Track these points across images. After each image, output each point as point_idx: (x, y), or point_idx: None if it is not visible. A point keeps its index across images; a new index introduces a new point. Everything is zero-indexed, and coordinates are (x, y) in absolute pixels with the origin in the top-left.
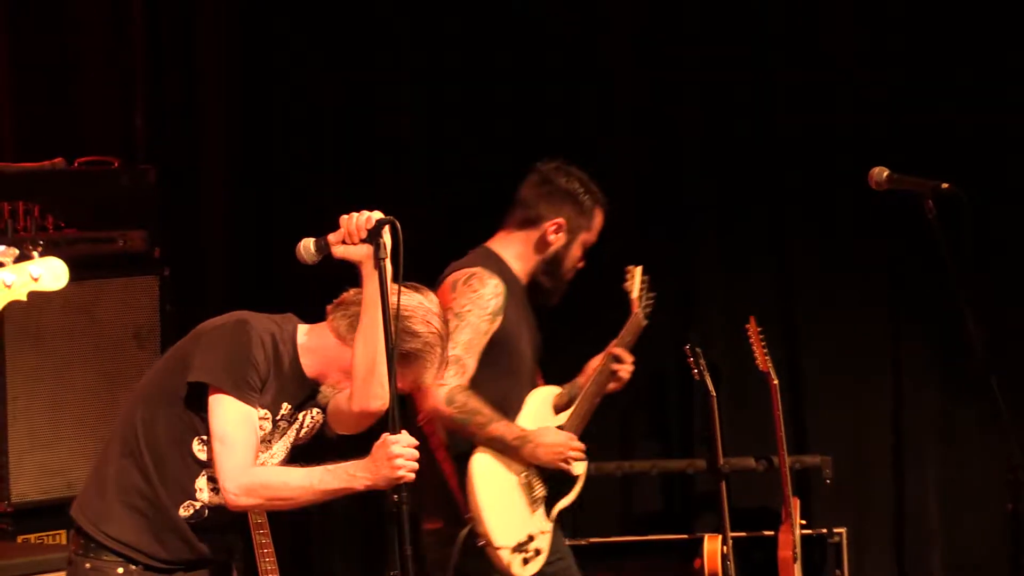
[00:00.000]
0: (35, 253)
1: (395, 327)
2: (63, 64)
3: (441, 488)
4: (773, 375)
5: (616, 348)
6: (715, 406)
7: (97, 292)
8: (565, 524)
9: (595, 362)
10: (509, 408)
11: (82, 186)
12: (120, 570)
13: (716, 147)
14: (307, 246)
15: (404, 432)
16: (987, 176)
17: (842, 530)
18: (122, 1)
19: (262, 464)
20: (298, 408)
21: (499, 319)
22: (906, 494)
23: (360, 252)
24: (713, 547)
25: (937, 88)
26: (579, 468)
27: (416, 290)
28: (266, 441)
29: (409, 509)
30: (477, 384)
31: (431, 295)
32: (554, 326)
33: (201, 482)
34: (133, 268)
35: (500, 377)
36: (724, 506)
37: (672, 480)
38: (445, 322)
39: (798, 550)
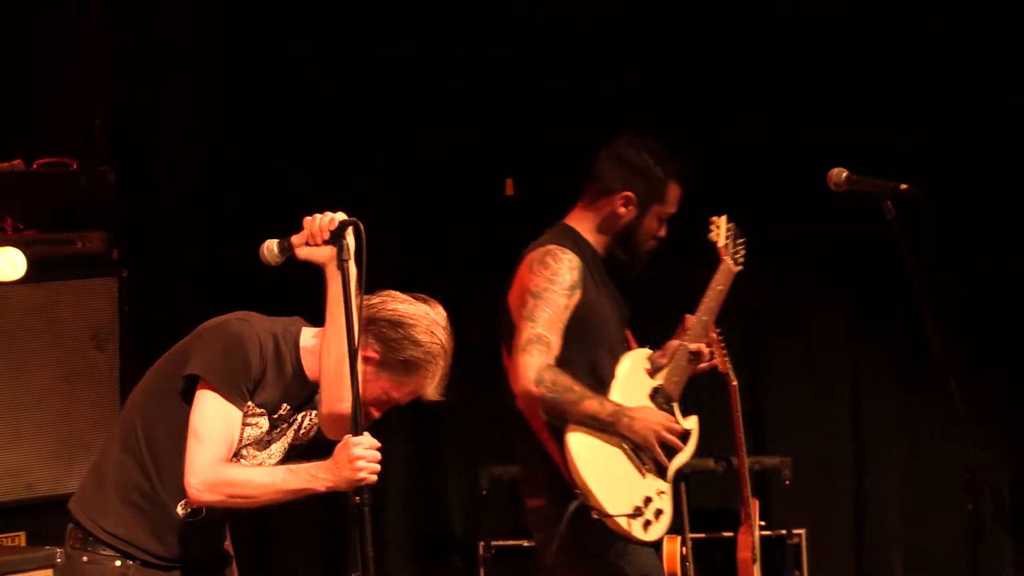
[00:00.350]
0: None
1: (358, 328)
2: (22, 65)
3: (546, 466)
4: (732, 376)
5: (703, 312)
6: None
7: (55, 294)
8: (524, 526)
9: (689, 319)
10: (601, 379)
11: (41, 187)
12: (118, 563)
13: (685, 143)
14: (270, 247)
15: (367, 434)
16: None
17: (801, 531)
18: (83, 1)
19: (259, 464)
20: (297, 409)
21: (577, 292)
22: (866, 495)
23: (323, 254)
24: (672, 548)
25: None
26: (690, 423)
27: (424, 301)
28: (264, 442)
29: (372, 508)
30: (566, 360)
31: (439, 308)
32: (646, 288)
33: None
34: (92, 270)
35: (588, 350)
36: (683, 507)
37: None
38: (451, 336)
39: (757, 551)
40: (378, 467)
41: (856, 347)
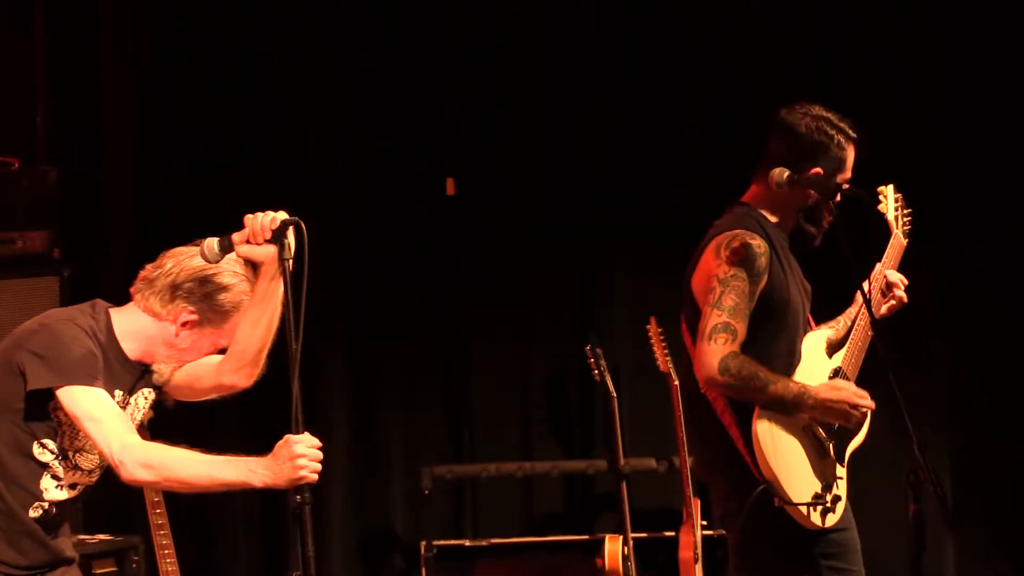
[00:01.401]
0: None
1: (299, 328)
2: None
3: (725, 446)
4: (674, 376)
5: (883, 272)
6: (616, 407)
7: None
8: (466, 526)
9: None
10: (787, 362)
11: None
12: None
13: (620, 144)
14: (210, 246)
15: (306, 433)
16: None
17: None
18: (24, 1)
19: None
20: (130, 392)
21: (764, 278)
22: None
23: (264, 252)
24: (614, 547)
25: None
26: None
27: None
28: None
29: (312, 507)
30: (752, 344)
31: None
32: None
33: (45, 482)
34: (33, 269)
35: (774, 334)
36: (625, 507)
37: (573, 481)
38: (248, 265)
39: (699, 550)
40: (319, 466)
41: None
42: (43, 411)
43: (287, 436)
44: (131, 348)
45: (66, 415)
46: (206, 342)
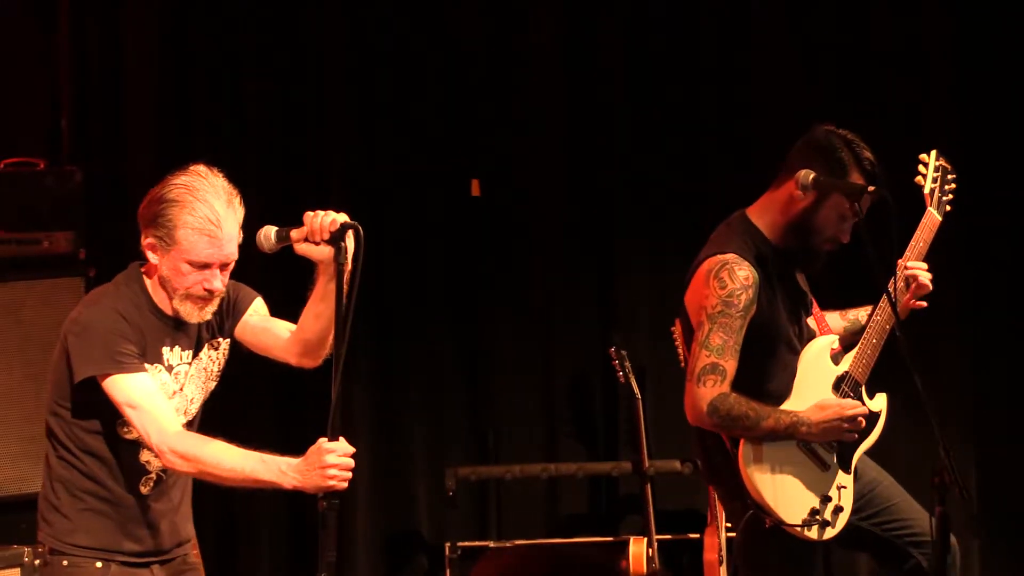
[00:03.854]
0: None
1: (347, 333)
2: None
3: (726, 459)
4: None
5: (907, 263)
6: (640, 408)
7: (22, 293)
8: (490, 527)
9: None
10: (783, 379)
11: (7, 187)
12: (99, 564)
13: (641, 147)
14: (267, 234)
15: (342, 439)
16: None
17: None
18: (48, 2)
19: (183, 410)
20: (192, 347)
21: (752, 309)
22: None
23: (322, 253)
24: (638, 550)
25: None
26: (878, 403)
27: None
28: (173, 392)
29: (337, 515)
30: (747, 367)
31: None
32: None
33: (146, 455)
34: (58, 269)
35: (767, 355)
36: (649, 508)
37: (598, 482)
38: (205, 174)
39: (724, 553)
40: (349, 475)
41: None
42: (103, 394)
43: (321, 441)
44: (161, 300)
45: None
46: (177, 263)
